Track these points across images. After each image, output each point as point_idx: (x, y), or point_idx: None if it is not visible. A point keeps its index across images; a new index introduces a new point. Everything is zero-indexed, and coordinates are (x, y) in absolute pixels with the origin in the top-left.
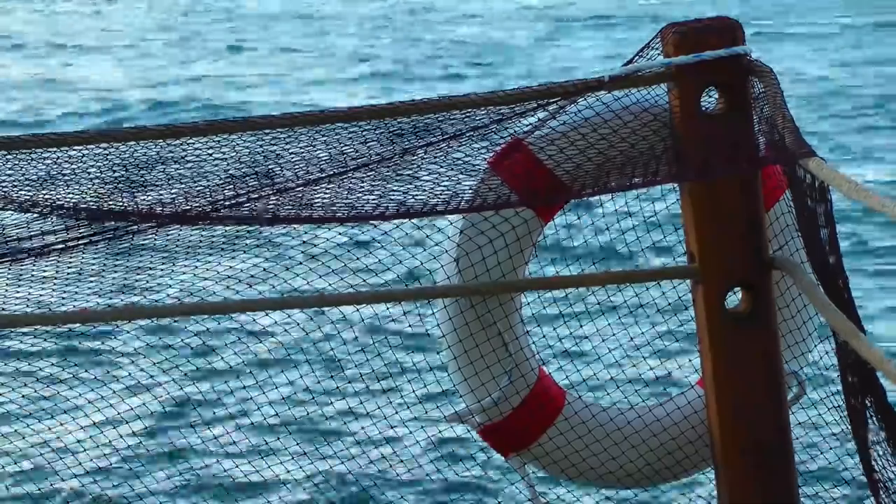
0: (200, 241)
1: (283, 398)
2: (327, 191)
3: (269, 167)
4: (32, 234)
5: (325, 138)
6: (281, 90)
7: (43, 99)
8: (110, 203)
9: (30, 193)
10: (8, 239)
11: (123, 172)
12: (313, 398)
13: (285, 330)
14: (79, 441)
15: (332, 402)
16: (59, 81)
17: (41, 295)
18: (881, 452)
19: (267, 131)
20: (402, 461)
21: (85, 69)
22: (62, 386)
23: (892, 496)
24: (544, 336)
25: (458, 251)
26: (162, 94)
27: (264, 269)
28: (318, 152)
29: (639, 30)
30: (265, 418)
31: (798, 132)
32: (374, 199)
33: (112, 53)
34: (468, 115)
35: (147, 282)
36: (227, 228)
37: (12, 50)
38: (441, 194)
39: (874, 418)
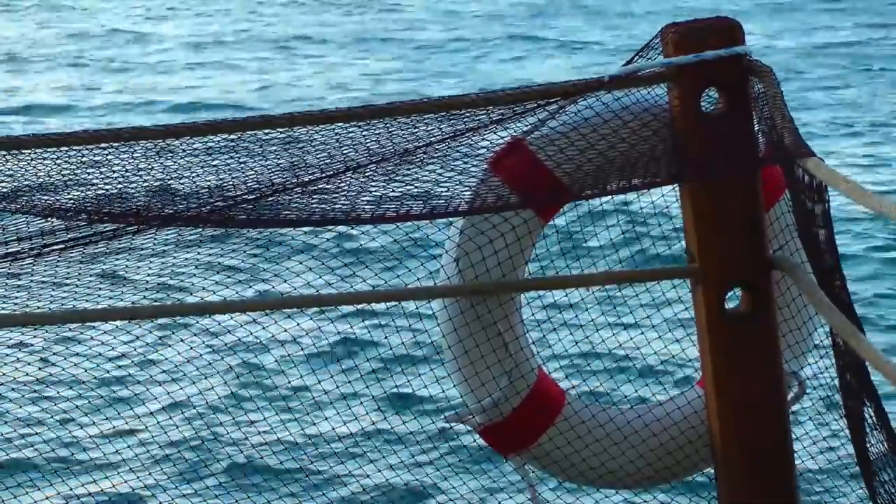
0: (201, 241)
1: (282, 398)
2: (326, 191)
3: (269, 168)
4: (32, 233)
5: (324, 138)
6: None
7: None
8: (112, 205)
9: (28, 195)
10: (7, 238)
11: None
12: (312, 398)
13: (284, 329)
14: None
15: (331, 403)
16: None
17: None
18: (878, 451)
19: (266, 131)
20: (401, 461)
21: None
22: (62, 386)
23: (889, 494)
24: (544, 336)
25: (458, 251)
26: None
27: (264, 269)
28: (317, 152)
29: None
30: (265, 418)
31: (797, 132)
32: (373, 200)
33: None
34: (468, 115)
35: (147, 282)
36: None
37: None
38: (441, 195)
39: (871, 418)
